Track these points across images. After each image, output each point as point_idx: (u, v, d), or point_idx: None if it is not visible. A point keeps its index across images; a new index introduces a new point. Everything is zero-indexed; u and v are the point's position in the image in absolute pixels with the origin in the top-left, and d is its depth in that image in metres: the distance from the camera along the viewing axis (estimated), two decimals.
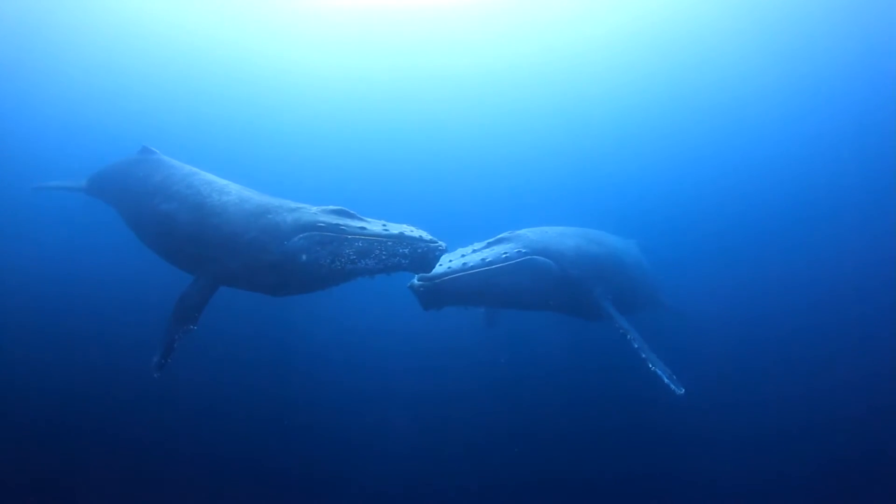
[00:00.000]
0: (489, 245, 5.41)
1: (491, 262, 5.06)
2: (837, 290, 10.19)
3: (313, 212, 4.61)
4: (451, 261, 5.12)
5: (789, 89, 14.32)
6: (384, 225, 4.49)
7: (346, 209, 4.63)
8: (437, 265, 4.82)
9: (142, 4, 15.48)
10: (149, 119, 16.13)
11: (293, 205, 4.78)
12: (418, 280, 4.90)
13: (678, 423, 7.37)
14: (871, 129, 12.57)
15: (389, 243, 4.35)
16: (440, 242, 4.48)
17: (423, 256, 4.42)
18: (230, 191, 5.07)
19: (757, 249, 11.90)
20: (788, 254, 11.44)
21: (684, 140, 15.80)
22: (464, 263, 5.04)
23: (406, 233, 4.40)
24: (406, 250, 4.36)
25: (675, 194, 14.53)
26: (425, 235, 4.46)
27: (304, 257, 4.40)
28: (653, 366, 4.97)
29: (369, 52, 16.98)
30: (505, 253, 5.16)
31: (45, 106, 16.04)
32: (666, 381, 4.82)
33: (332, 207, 4.64)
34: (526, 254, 5.22)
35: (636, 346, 5.17)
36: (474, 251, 5.36)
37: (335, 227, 4.42)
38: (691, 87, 15.78)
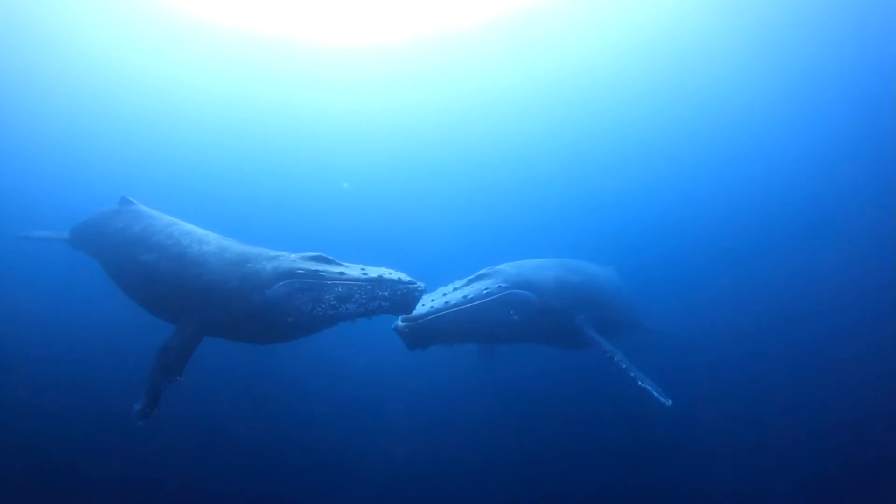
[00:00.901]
0: (470, 282, 5.39)
1: (473, 299, 5.04)
2: (821, 304, 10.34)
3: (292, 259, 4.62)
4: (433, 300, 5.08)
5: (765, 114, 14.49)
6: (363, 269, 4.49)
7: (325, 255, 4.64)
8: (418, 305, 4.80)
9: (121, 55, 15.69)
10: (129, 168, 16.10)
11: (272, 253, 4.79)
12: (402, 321, 4.83)
13: (667, 439, 7.40)
14: (841, 154, 12.81)
15: (369, 287, 4.36)
16: (419, 283, 4.50)
17: (403, 298, 4.43)
18: (210, 241, 5.07)
19: (737, 268, 12.07)
20: (767, 272, 11.62)
21: (658, 165, 16.01)
22: (446, 302, 5.00)
23: (385, 276, 4.40)
24: (386, 293, 4.37)
25: (653, 218, 14.70)
26: (404, 277, 4.46)
27: (285, 305, 4.40)
28: (641, 383, 5.11)
29: (343, 91, 17.17)
30: (486, 289, 5.16)
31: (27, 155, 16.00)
32: (655, 395, 4.99)
33: (310, 254, 4.65)
34: (506, 288, 5.22)
35: (624, 366, 5.27)
36: (455, 289, 5.31)
37: (314, 274, 4.43)
38: (661, 111, 16.02)
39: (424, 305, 4.96)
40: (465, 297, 5.06)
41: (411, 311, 4.67)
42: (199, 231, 5.31)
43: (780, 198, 13.11)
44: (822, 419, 7.91)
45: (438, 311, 4.90)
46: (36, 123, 16.17)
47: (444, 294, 5.21)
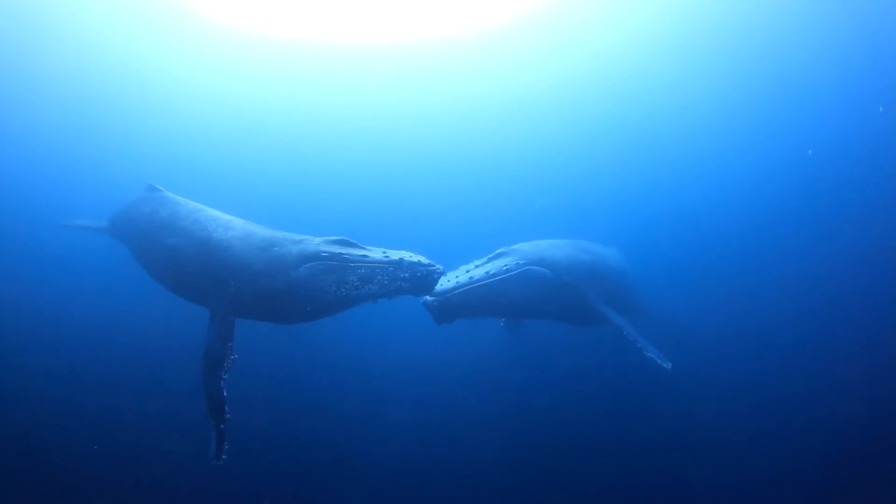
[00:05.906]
0: (489, 260, 5.45)
1: (494, 275, 5.14)
2: (822, 296, 10.09)
3: (316, 243, 4.51)
4: (457, 277, 5.15)
5: (767, 103, 14.00)
6: (384, 252, 4.41)
7: (348, 239, 4.53)
8: (443, 281, 4.84)
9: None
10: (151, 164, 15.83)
11: (297, 237, 4.67)
12: (430, 297, 4.86)
13: (671, 430, 7.32)
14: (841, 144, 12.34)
15: (390, 269, 4.28)
16: (438, 266, 4.44)
17: (423, 279, 4.36)
18: (235, 226, 4.93)
19: (733, 255, 11.85)
20: (765, 265, 11.35)
21: (661, 159, 15.64)
22: (470, 278, 5.08)
23: (405, 258, 4.33)
24: (406, 274, 4.30)
25: (656, 205, 14.53)
26: (423, 260, 4.40)
27: (310, 286, 4.30)
28: (647, 352, 5.23)
29: (356, 88, 16.87)
30: (505, 266, 5.24)
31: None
32: (658, 361, 5.14)
33: (334, 238, 4.54)
34: (524, 265, 5.31)
35: (631, 337, 5.39)
36: (476, 266, 5.37)
37: (338, 256, 4.33)
38: (666, 101, 15.51)
39: (450, 281, 5.03)
40: (487, 273, 5.14)
41: (430, 292, 4.64)
42: (225, 216, 5.17)
43: (781, 191, 12.79)
44: (823, 408, 7.77)
45: (464, 286, 4.99)
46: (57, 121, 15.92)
47: (467, 271, 5.25)
